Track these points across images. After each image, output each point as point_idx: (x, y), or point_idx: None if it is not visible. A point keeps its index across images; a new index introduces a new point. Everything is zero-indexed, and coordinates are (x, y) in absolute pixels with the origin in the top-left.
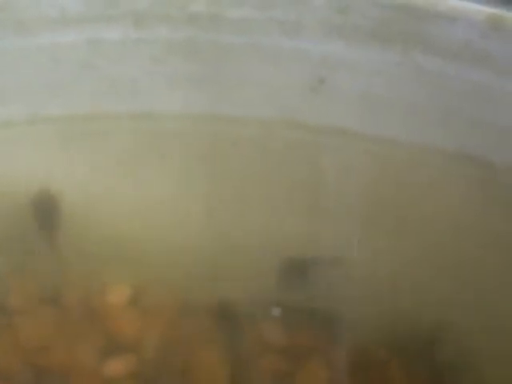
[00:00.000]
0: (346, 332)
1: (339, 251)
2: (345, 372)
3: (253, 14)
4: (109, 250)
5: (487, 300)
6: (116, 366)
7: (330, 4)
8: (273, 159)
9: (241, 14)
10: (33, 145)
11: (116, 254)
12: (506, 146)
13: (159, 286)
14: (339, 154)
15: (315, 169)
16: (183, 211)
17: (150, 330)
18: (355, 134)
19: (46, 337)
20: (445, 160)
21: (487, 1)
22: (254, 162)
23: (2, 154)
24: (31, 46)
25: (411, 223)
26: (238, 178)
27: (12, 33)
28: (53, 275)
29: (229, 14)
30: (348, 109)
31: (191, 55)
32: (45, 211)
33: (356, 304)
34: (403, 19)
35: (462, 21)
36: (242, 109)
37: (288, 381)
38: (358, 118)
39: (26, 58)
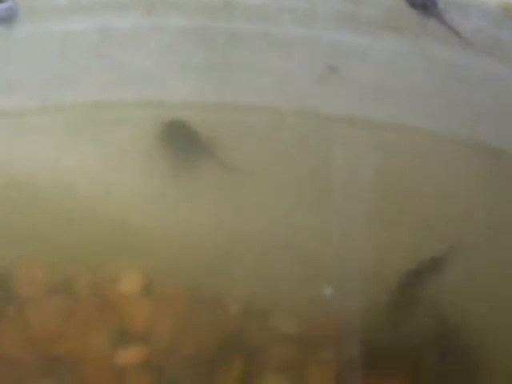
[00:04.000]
0: (357, 322)
1: (350, 239)
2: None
3: (264, 2)
4: (120, 239)
5: (500, 289)
6: (128, 356)
7: None
8: (283, 147)
9: (252, 2)
10: (43, 133)
11: (127, 243)
12: None
13: (171, 276)
14: (350, 142)
15: (326, 157)
16: (194, 200)
17: (162, 319)
18: (366, 122)
19: (57, 326)
20: (456, 148)
21: None
22: (265, 150)
23: (14, 143)
24: (42, 34)
25: (422, 210)
26: (248, 167)
27: (23, 21)
28: None
29: (240, 2)
30: (359, 97)
31: (202, 43)
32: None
33: (364, 296)
34: None
35: (475, 9)
36: (252, 97)
37: (299, 372)
38: (368, 106)
39: (36, 46)
